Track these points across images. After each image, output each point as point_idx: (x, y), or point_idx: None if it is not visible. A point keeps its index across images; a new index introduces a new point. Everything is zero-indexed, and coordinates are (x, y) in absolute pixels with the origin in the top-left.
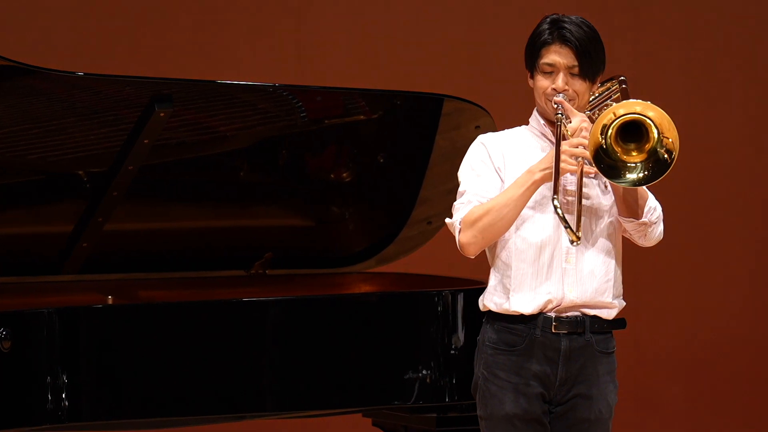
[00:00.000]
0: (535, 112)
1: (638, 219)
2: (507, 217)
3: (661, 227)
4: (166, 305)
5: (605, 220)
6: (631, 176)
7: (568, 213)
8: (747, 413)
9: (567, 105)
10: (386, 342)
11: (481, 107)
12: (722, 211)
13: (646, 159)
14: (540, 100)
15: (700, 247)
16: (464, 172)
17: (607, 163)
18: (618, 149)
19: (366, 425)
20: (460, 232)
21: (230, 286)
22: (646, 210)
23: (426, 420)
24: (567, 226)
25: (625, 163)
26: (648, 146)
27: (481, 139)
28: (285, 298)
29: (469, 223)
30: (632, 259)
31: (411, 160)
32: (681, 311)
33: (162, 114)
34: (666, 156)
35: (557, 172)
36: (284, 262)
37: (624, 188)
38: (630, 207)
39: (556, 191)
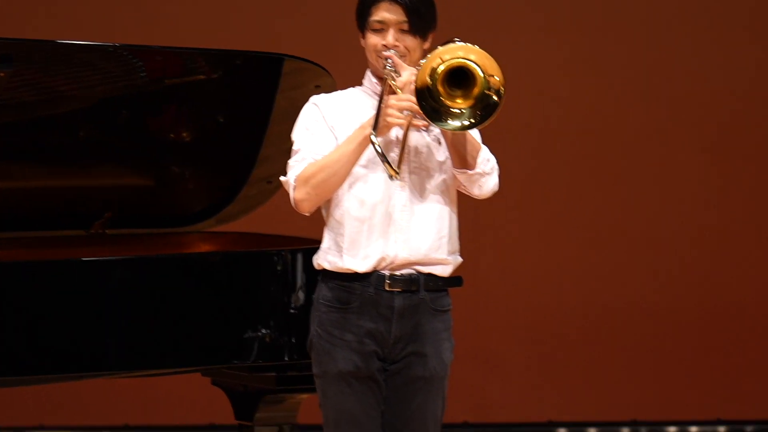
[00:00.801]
0: (368, 72)
1: (471, 170)
2: (340, 172)
3: (495, 179)
4: (5, 264)
5: (439, 177)
6: (455, 122)
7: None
8: (585, 372)
9: (397, 60)
10: (225, 301)
11: (321, 67)
12: (568, 171)
13: (474, 105)
14: (371, 57)
15: (544, 205)
16: (298, 132)
17: (432, 107)
18: (444, 93)
19: (205, 384)
20: (294, 189)
21: (70, 246)
22: (479, 161)
23: (265, 379)
24: (384, 160)
25: (449, 108)
26: (476, 91)
27: (314, 99)
28: (125, 257)
29: (303, 180)
30: (472, 217)
31: (251, 119)
32: (521, 269)
33: (1, 74)
34: (495, 97)
35: (379, 112)
36: (124, 222)
37: (454, 138)
38: (462, 157)
39: (375, 127)
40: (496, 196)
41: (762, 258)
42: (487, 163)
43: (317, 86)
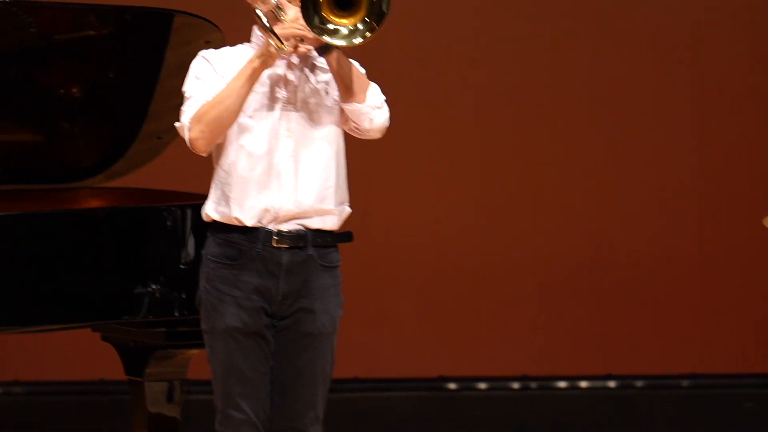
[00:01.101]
0: (254, 28)
1: (361, 103)
2: (231, 107)
3: (386, 113)
4: None
5: (326, 125)
6: (342, 42)
7: (290, 103)
8: (475, 327)
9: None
10: (115, 257)
11: (211, 23)
12: (460, 125)
13: (365, 17)
14: (256, 4)
15: (434, 159)
16: (189, 83)
17: (319, 27)
18: (332, 16)
19: (95, 340)
20: (189, 130)
21: None
22: (368, 95)
23: (155, 335)
24: (270, 31)
25: (338, 27)
26: (362, 5)
27: (203, 53)
28: (13, 213)
29: (196, 119)
30: (362, 169)
31: (141, 75)
32: (412, 224)
33: None
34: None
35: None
36: (13, 177)
37: (341, 70)
38: (350, 90)
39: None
40: (385, 147)
41: (653, 214)
42: (376, 97)
43: (207, 42)
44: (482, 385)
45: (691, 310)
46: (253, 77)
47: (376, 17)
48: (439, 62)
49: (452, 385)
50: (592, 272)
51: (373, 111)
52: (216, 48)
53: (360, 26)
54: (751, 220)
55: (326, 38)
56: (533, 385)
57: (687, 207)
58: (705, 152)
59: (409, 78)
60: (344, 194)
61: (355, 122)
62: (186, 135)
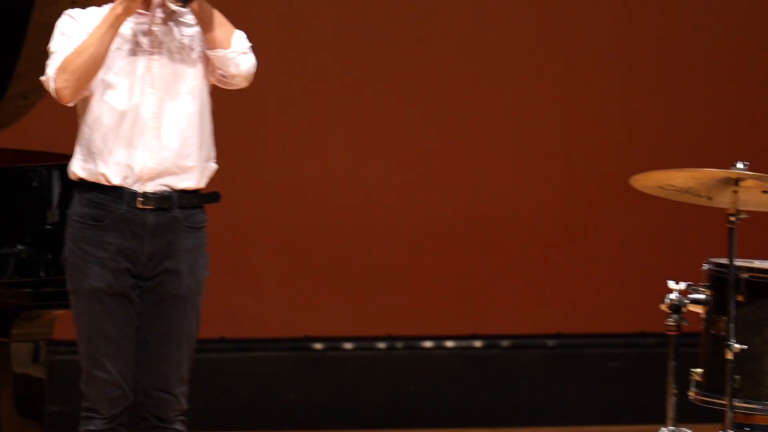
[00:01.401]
0: None
1: (226, 49)
2: (95, 55)
3: (252, 59)
4: None
5: (191, 81)
6: None
7: (154, 58)
8: (340, 287)
9: None
10: None
11: None
12: (332, 81)
13: None
14: None
15: (302, 115)
16: (55, 39)
17: None
18: None
19: None
20: (54, 80)
21: None
22: (233, 40)
23: (21, 295)
24: None
25: None
26: None
27: (69, 12)
28: None
29: (61, 69)
30: (228, 127)
31: (7, 35)
32: (278, 182)
33: None
34: None
35: None
36: None
37: (204, 15)
38: (214, 35)
39: None
40: (250, 102)
41: (520, 175)
42: (242, 42)
43: (73, 2)
44: (348, 345)
45: (556, 271)
46: (116, 24)
47: None
48: (301, 11)
49: (318, 345)
50: (459, 232)
51: (238, 56)
52: (82, 8)
53: None
54: (618, 180)
55: None
56: (399, 344)
57: (554, 167)
58: (572, 111)
59: (272, 25)
60: (209, 151)
61: (221, 69)
62: (51, 86)
